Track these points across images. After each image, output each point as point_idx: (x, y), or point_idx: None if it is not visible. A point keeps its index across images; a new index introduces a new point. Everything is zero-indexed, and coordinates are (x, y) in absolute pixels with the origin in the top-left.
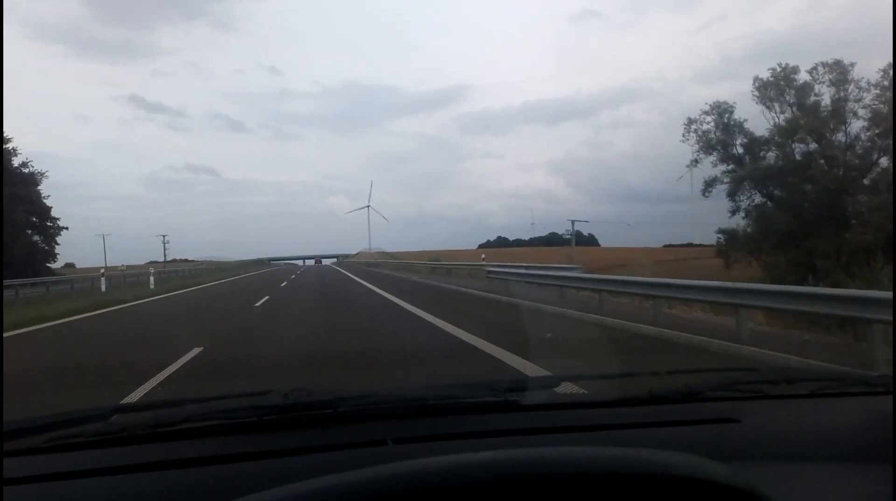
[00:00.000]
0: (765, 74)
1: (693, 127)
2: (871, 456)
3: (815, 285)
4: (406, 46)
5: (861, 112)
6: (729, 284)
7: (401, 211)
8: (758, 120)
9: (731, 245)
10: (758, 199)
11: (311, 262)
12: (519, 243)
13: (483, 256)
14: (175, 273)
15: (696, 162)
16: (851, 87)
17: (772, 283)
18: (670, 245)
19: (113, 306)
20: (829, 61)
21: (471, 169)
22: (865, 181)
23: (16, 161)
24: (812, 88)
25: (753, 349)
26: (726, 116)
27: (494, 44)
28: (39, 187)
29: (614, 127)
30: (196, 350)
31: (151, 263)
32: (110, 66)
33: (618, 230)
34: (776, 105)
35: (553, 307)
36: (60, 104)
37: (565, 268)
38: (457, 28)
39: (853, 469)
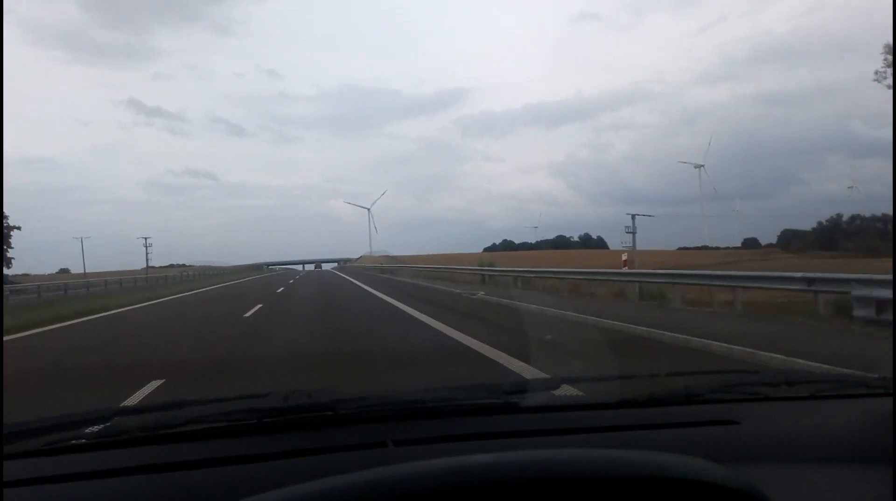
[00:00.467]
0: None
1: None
2: (871, 458)
3: None
4: (406, 49)
5: None
6: None
7: (401, 214)
8: None
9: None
10: None
11: (310, 267)
12: (526, 246)
13: (624, 257)
14: (161, 280)
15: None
16: None
17: None
18: (685, 248)
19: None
20: None
21: (471, 171)
22: None
23: None
24: None
25: None
26: None
27: (494, 46)
28: None
29: (615, 129)
30: (155, 384)
31: (149, 268)
32: (110, 70)
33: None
34: None
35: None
36: (60, 108)
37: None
38: (456, 30)
39: (853, 471)
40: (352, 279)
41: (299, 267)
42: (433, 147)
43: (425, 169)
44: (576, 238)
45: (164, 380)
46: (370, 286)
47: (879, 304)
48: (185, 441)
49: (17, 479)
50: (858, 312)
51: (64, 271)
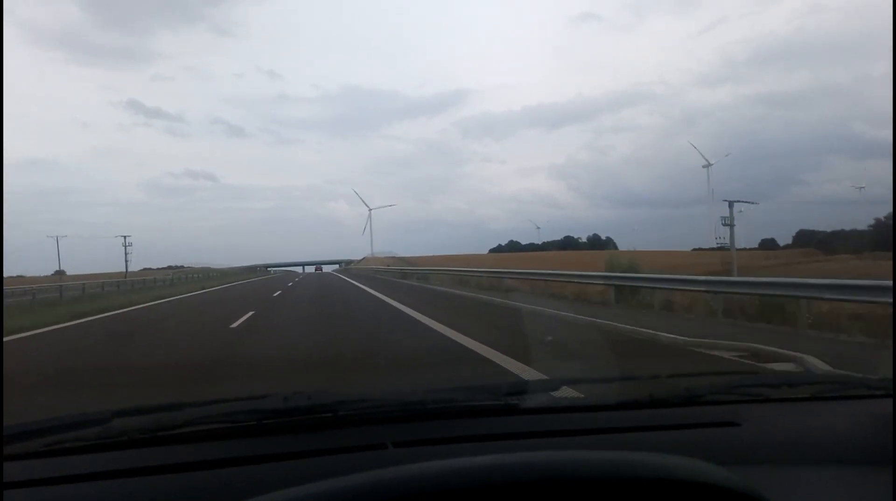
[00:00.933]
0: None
1: None
2: (871, 459)
3: None
4: (405, 50)
5: None
6: None
7: (401, 215)
8: None
9: None
10: None
11: (311, 269)
12: (533, 247)
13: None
14: (139, 284)
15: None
16: None
17: None
18: (700, 249)
19: None
20: None
21: (471, 173)
22: None
23: None
24: None
25: None
26: None
27: (494, 47)
28: None
29: (616, 131)
30: None
31: (145, 270)
32: (109, 71)
33: (625, 235)
34: None
35: None
36: (60, 110)
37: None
38: (456, 32)
39: (854, 473)
40: (365, 288)
41: (299, 269)
42: (433, 149)
43: (425, 171)
44: (583, 239)
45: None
46: (404, 305)
47: None
48: (184, 443)
49: (16, 480)
50: None
51: (59, 272)
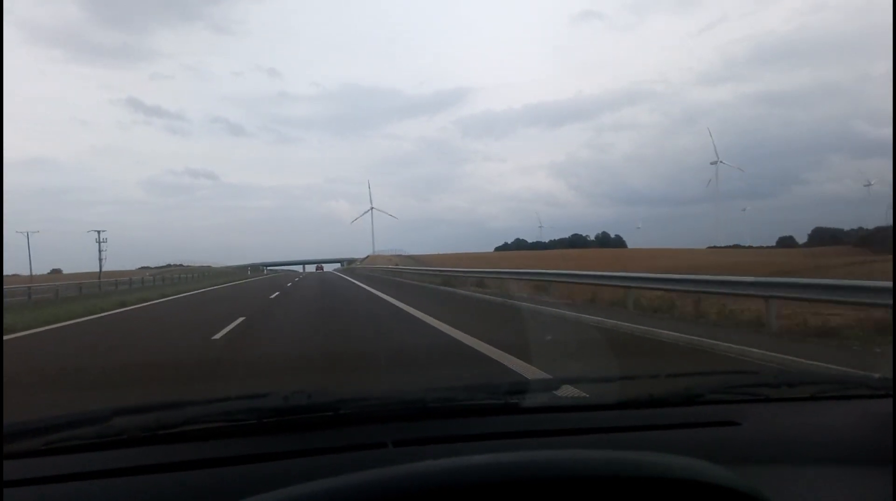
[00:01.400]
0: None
1: None
2: (871, 459)
3: None
4: (406, 48)
5: None
6: None
7: (402, 214)
8: None
9: None
10: None
11: (311, 268)
12: (540, 245)
13: None
14: (116, 286)
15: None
16: None
17: None
18: (715, 247)
19: None
20: None
21: (472, 172)
22: None
23: None
24: None
25: None
26: None
27: (495, 45)
28: None
29: (616, 129)
30: None
31: (143, 268)
32: (108, 69)
33: (627, 233)
34: None
35: None
36: (59, 108)
37: None
38: (457, 30)
39: (854, 472)
40: (395, 302)
41: (299, 268)
42: (434, 147)
43: (426, 169)
44: (592, 237)
45: None
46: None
47: None
48: (185, 441)
49: (17, 479)
50: None
51: (56, 271)
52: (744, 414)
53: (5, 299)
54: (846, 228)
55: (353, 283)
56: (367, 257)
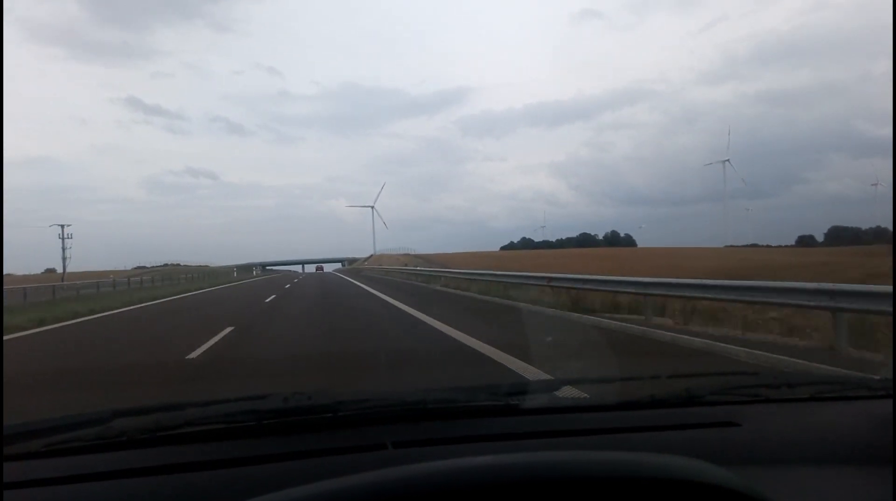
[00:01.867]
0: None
1: None
2: (871, 460)
3: None
4: (406, 47)
5: None
6: None
7: (402, 213)
8: None
9: None
10: None
11: (311, 268)
12: (547, 244)
13: None
14: (77, 291)
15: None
16: None
17: None
18: (732, 246)
19: None
20: None
21: (472, 171)
22: None
23: None
24: None
25: None
26: None
27: (495, 45)
28: None
29: (616, 129)
30: None
31: (138, 268)
32: (108, 68)
33: (630, 232)
34: None
35: None
36: (59, 107)
37: None
38: (457, 29)
39: (854, 473)
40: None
41: (299, 268)
42: (434, 147)
43: (426, 169)
44: (600, 236)
45: None
46: None
47: None
48: (184, 443)
49: (17, 481)
50: None
51: (50, 270)
52: (744, 415)
53: None
54: (863, 226)
55: (369, 293)
56: (371, 256)
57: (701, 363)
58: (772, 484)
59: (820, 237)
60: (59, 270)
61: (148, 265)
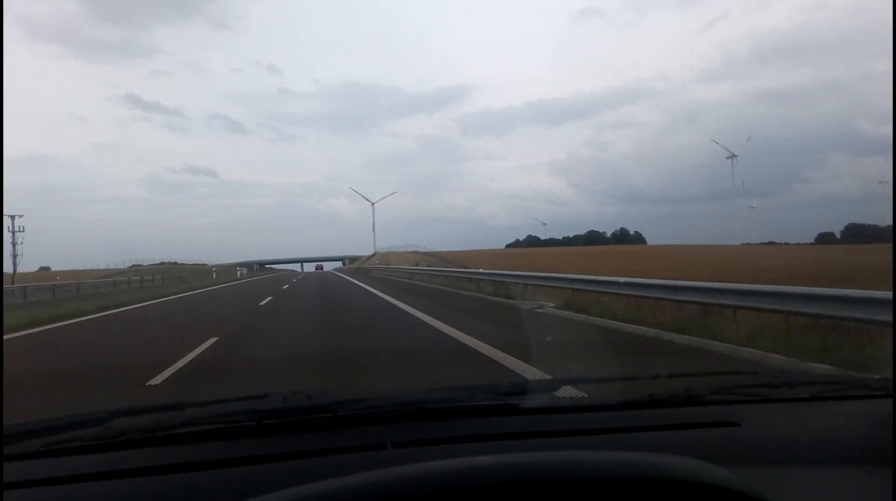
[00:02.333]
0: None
1: None
2: (871, 459)
3: None
4: (406, 45)
5: None
6: None
7: (401, 212)
8: None
9: None
10: None
11: (310, 267)
12: (553, 242)
13: None
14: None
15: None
16: None
17: None
18: (749, 243)
19: None
20: None
21: (472, 170)
22: None
23: None
24: None
25: None
26: None
27: (495, 43)
28: None
29: (616, 127)
30: None
31: (134, 266)
32: (107, 66)
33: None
34: None
35: None
36: (58, 105)
37: None
38: (457, 27)
39: (854, 472)
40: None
41: (298, 267)
42: (434, 145)
43: (426, 167)
44: (608, 234)
45: None
46: None
47: None
48: (184, 443)
49: (17, 480)
50: None
51: (44, 268)
52: (743, 415)
53: None
54: (882, 224)
55: (367, 291)
56: (374, 254)
57: (700, 363)
58: (771, 484)
59: (837, 235)
60: (59, 268)
61: (144, 264)
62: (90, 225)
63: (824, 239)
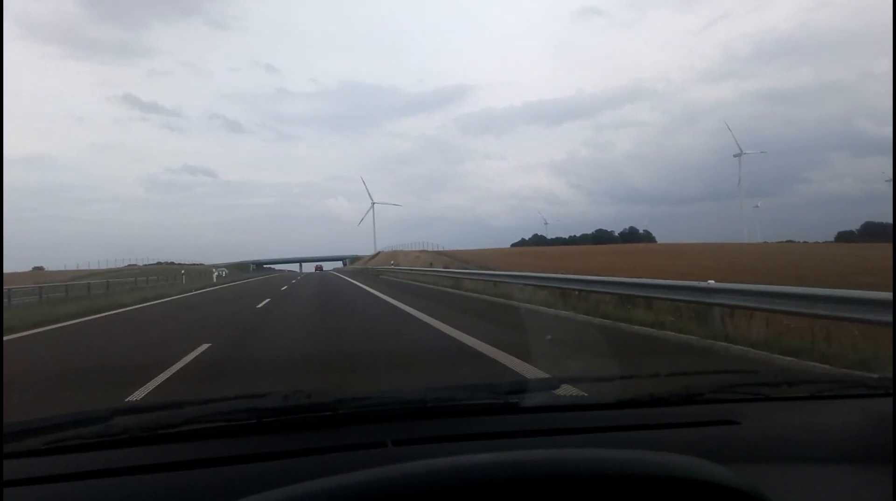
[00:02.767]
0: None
1: None
2: (870, 458)
3: None
4: (405, 45)
5: None
6: None
7: (401, 212)
8: None
9: None
10: None
11: (309, 267)
12: (560, 241)
13: None
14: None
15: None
16: None
17: None
18: (767, 242)
19: None
20: None
21: (472, 170)
22: None
23: None
24: None
25: None
26: None
27: (495, 43)
28: None
29: (616, 127)
30: None
31: (131, 266)
32: (105, 65)
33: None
34: None
35: None
36: (56, 105)
37: None
38: (457, 27)
39: (853, 471)
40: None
41: (296, 267)
42: (433, 145)
43: (426, 167)
44: (616, 233)
45: None
46: None
47: None
48: (184, 441)
49: (17, 478)
50: None
51: (38, 268)
52: (743, 413)
53: None
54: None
55: (384, 300)
56: (378, 253)
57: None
58: (771, 482)
59: (855, 232)
60: (54, 267)
61: (140, 264)
62: (88, 225)
63: (844, 237)
